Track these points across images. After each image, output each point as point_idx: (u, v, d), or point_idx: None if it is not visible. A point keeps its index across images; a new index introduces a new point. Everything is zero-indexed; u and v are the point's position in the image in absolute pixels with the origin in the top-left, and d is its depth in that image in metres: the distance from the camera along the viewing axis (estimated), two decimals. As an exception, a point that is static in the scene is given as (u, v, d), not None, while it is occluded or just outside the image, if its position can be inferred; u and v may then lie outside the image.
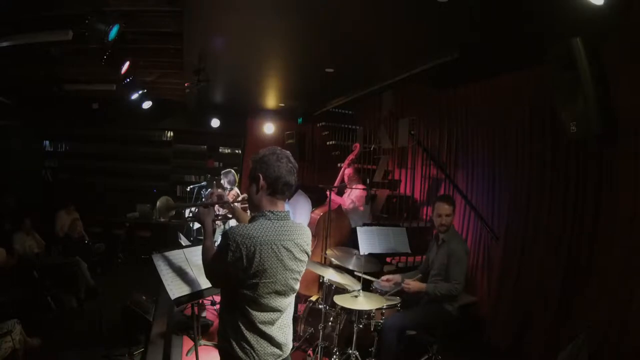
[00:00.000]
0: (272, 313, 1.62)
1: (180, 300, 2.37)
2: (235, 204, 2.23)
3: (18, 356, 3.37)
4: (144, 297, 4.13)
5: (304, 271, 1.76)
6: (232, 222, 3.84)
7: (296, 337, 3.80)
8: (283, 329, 1.68)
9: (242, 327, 1.58)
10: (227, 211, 2.20)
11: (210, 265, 1.73)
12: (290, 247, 1.64)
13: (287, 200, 1.84)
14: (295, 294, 1.76)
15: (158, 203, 2.32)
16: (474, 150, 4.81)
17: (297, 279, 1.72)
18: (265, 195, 1.66)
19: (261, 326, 1.59)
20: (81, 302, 5.01)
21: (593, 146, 3.36)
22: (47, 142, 8.06)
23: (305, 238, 1.74)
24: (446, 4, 2.83)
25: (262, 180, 1.64)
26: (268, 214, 1.64)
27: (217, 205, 2.14)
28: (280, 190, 1.66)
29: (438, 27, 3.41)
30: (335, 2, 3.08)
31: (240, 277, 1.55)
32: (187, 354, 3.54)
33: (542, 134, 3.85)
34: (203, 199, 4.92)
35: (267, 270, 1.56)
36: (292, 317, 1.77)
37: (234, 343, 1.58)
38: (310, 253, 1.79)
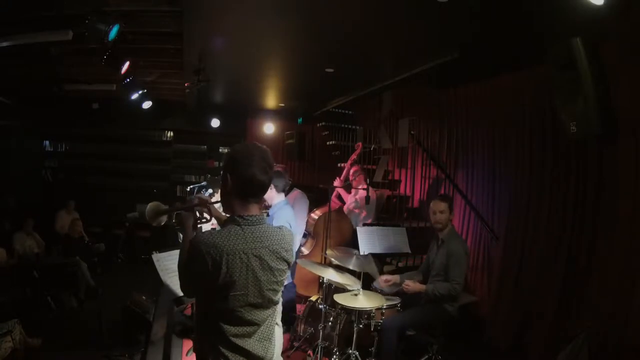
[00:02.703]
0: (247, 327, 1.47)
1: (180, 300, 2.37)
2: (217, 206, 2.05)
3: (18, 356, 3.37)
4: (144, 297, 4.12)
5: (284, 279, 1.60)
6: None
7: (296, 337, 3.81)
8: (262, 341, 1.52)
9: (216, 339, 1.45)
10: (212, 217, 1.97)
11: (180, 274, 1.58)
12: (263, 254, 1.48)
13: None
14: (276, 305, 1.60)
15: (147, 208, 2.15)
16: (474, 150, 4.81)
17: (276, 290, 1.55)
18: (235, 198, 1.50)
19: (235, 339, 1.44)
20: (81, 302, 5.01)
21: (593, 146, 3.36)
22: (47, 142, 8.05)
23: (284, 244, 1.56)
24: (446, 4, 2.83)
25: (229, 180, 1.49)
26: (237, 219, 1.48)
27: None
28: (252, 193, 1.50)
29: (438, 27, 3.41)
30: (335, 2, 3.08)
31: (208, 288, 1.42)
32: (187, 354, 3.54)
33: (542, 134, 3.85)
34: (209, 201, 4.91)
35: (236, 282, 1.41)
36: (274, 329, 1.61)
37: (209, 356, 1.46)
38: (290, 260, 1.60)
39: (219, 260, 1.39)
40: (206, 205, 1.89)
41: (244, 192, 1.49)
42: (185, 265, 1.52)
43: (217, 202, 1.79)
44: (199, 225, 1.89)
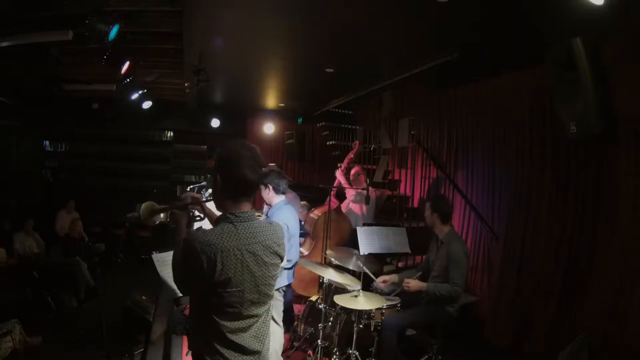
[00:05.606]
0: (243, 321, 1.48)
1: (180, 300, 2.37)
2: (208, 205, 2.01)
3: (18, 356, 3.37)
4: (144, 297, 4.12)
5: (277, 274, 1.61)
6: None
7: (296, 337, 3.81)
8: (258, 337, 1.53)
9: (211, 336, 1.45)
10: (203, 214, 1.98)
11: (175, 271, 1.57)
12: (257, 250, 1.49)
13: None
14: (271, 300, 1.61)
15: (141, 207, 2.12)
16: (474, 150, 4.81)
17: (271, 284, 1.56)
18: (227, 197, 1.53)
19: (231, 335, 1.45)
20: (81, 302, 5.01)
21: (593, 146, 3.36)
22: (47, 142, 8.05)
23: (276, 238, 1.58)
24: (446, 4, 2.84)
25: (220, 181, 1.52)
26: (230, 216, 1.50)
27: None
28: (243, 192, 1.52)
29: (438, 27, 3.41)
30: (335, 2, 3.08)
31: (204, 285, 1.42)
32: (187, 354, 3.54)
33: (542, 134, 3.85)
34: (202, 199, 4.93)
35: (231, 279, 1.42)
36: (269, 324, 1.62)
37: (204, 353, 1.46)
38: (282, 253, 1.62)
39: (213, 258, 1.39)
40: (199, 203, 1.90)
41: (235, 191, 1.52)
42: (180, 262, 1.52)
43: (209, 200, 1.79)
44: (194, 223, 1.90)
